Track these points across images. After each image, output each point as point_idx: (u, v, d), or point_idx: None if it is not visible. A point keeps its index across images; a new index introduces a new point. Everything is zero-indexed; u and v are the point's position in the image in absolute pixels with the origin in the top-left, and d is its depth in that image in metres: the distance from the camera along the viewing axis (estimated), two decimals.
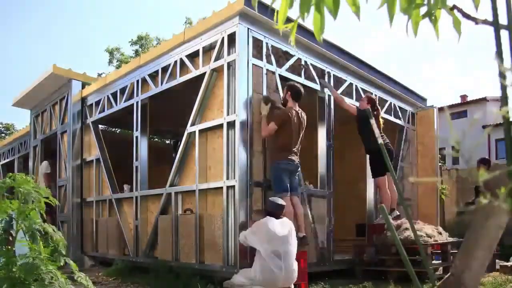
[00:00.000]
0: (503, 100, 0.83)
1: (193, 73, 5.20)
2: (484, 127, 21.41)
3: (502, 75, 0.78)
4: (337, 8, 1.04)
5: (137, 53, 21.24)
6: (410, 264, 1.23)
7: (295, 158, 4.71)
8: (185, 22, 22.42)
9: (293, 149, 4.70)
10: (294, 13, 1.09)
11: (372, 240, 5.66)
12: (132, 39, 22.48)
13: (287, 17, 1.12)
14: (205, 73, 5.01)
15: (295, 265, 3.94)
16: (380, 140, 1.55)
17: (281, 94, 5.00)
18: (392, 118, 7.24)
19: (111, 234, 6.64)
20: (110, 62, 22.43)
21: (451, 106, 24.46)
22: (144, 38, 22.35)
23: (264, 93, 4.81)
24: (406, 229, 5.11)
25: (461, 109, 24.59)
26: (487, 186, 0.82)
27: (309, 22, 1.10)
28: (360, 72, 6.41)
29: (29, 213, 2.07)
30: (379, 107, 6.06)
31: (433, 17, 1.05)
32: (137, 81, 6.21)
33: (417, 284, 1.19)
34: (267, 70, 4.88)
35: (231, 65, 4.71)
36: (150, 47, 21.18)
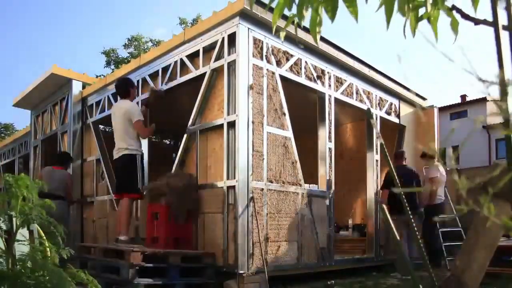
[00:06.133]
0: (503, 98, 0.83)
1: (194, 73, 5.21)
2: (484, 127, 21.41)
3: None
4: (335, 10, 1.03)
5: (132, 55, 21.18)
6: (401, 253, 1.24)
7: None
8: (180, 23, 22.40)
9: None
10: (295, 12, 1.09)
11: None
12: (125, 43, 22.41)
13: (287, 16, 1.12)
14: (205, 73, 5.01)
15: None
16: (380, 140, 1.56)
17: (281, 94, 5.01)
18: (392, 118, 7.24)
19: (111, 234, 6.63)
20: (108, 64, 22.37)
21: (451, 106, 24.43)
22: (136, 39, 22.26)
23: (265, 93, 4.81)
24: None
25: (461, 109, 24.57)
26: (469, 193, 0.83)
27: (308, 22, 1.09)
28: (360, 72, 6.40)
29: (29, 210, 2.06)
30: None
31: (432, 18, 1.05)
32: (137, 81, 6.21)
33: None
34: (267, 70, 4.88)
35: (231, 65, 4.71)
36: (144, 49, 21.12)
